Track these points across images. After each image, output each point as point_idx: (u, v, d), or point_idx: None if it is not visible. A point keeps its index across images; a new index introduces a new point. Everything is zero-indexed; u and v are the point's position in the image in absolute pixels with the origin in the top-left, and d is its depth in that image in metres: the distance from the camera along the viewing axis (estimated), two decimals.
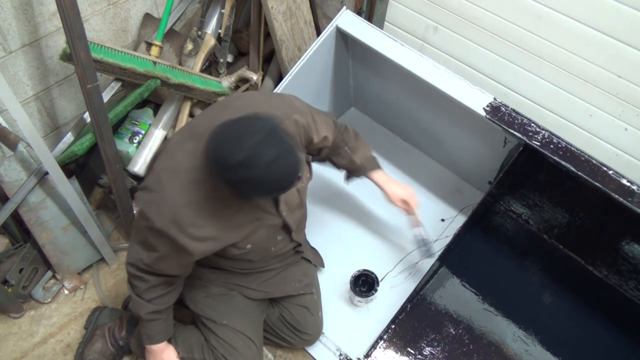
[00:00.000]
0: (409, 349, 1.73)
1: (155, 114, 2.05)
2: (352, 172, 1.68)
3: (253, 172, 1.03)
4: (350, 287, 1.75)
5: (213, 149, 1.06)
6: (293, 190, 1.38)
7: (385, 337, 1.75)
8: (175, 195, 1.18)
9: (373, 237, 2.00)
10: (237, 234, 1.28)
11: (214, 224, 1.21)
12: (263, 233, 1.35)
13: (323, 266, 1.85)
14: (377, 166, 1.68)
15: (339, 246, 1.96)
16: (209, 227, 1.21)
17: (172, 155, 1.23)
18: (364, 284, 1.78)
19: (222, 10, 1.99)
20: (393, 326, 1.77)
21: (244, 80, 2.12)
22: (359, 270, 1.77)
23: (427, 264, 1.90)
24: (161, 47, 1.88)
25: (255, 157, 1.02)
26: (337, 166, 1.65)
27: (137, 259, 1.28)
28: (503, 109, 1.65)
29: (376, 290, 1.74)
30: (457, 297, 1.86)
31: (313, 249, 1.82)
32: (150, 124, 2.02)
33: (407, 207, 1.67)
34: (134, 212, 1.93)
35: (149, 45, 1.87)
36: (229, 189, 1.08)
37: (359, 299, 1.77)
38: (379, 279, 1.82)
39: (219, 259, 1.40)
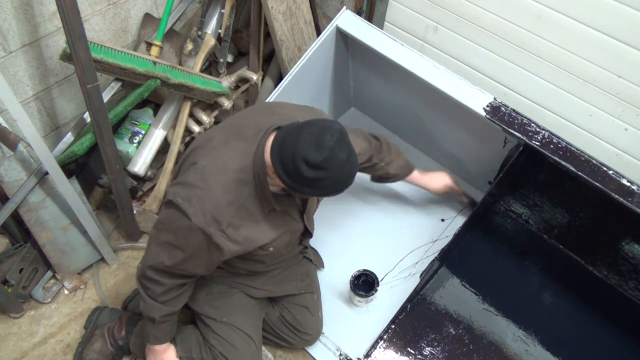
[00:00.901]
0: (409, 349, 1.73)
1: (155, 114, 2.05)
2: (387, 179, 1.77)
3: (330, 173, 1.08)
4: (350, 287, 1.75)
5: (286, 149, 1.09)
6: (314, 199, 1.42)
7: (385, 337, 1.74)
8: (220, 193, 1.18)
9: (373, 237, 2.00)
10: (265, 238, 1.29)
11: (248, 227, 1.23)
12: (286, 238, 1.37)
13: (323, 267, 1.85)
14: (410, 170, 1.79)
15: (339, 246, 1.96)
16: (243, 229, 1.22)
17: (218, 153, 1.21)
18: (364, 284, 1.78)
19: (222, 10, 1.99)
20: (393, 326, 1.77)
21: (244, 80, 2.12)
22: (359, 270, 1.77)
23: (427, 264, 1.90)
24: (161, 47, 1.88)
25: (332, 158, 1.07)
26: (372, 178, 1.76)
27: (158, 261, 1.26)
28: (503, 109, 1.65)
29: (376, 291, 1.74)
30: (457, 297, 1.86)
31: (313, 249, 1.82)
32: (150, 124, 2.03)
33: (452, 191, 1.90)
34: (133, 212, 1.93)
35: (149, 45, 1.87)
36: (300, 188, 1.11)
37: (359, 299, 1.77)
38: (379, 279, 1.82)
39: (233, 259, 1.39)
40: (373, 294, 1.74)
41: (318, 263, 1.81)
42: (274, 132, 1.20)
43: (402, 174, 1.76)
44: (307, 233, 1.48)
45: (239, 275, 1.52)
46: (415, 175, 1.81)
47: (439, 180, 1.88)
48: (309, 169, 1.08)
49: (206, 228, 1.17)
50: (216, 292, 1.53)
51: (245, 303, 1.55)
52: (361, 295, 1.74)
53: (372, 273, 1.77)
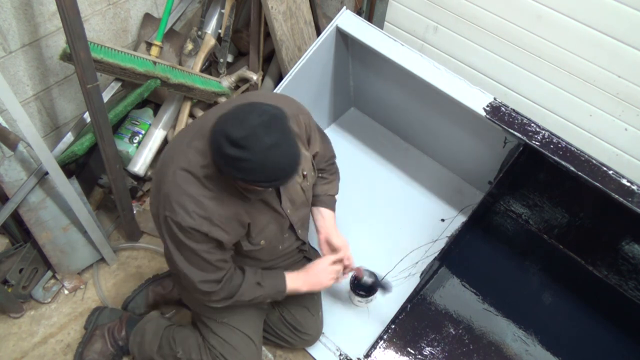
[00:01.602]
0: (409, 349, 1.73)
1: (155, 114, 2.05)
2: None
3: (251, 154, 1.04)
4: (351, 287, 1.74)
5: (216, 126, 1.08)
6: (297, 188, 1.39)
7: (385, 337, 1.75)
8: (196, 192, 1.19)
9: (373, 237, 2.00)
10: (256, 225, 1.31)
11: (232, 215, 1.23)
12: (273, 229, 1.37)
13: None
14: (331, 207, 1.60)
15: None
16: (230, 218, 1.23)
17: (184, 156, 1.21)
18: (365, 284, 1.77)
19: (222, 10, 1.99)
20: (393, 326, 1.77)
21: (244, 80, 2.12)
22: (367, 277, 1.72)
23: (427, 264, 1.90)
24: (161, 47, 1.88)
25: (254, 138, 1.04)
26: None
27: (199, 277, 1.27)
28: (503, 109, 1.65)
29: (376, 291, 1.74)
30: (457, 297, 1.86)
31: (313, 249, 1.81)
32: (150, 124, 2.03)
33: (335, 253, 1.54)
34: (133, 212, 1.93)
35: (149, 45, 1.87)
36: (226, 169, 1.09)
37: (359, 299, 1.77)
38: (380, 278, 1.82)
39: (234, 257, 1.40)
40: (373, 294, 1.74)
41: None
42: None
43: (323, 202, 1.57)
44: (292, 225, 1.44)
45: None
46: (328, 215, 1.57)
47: (337, 239, 1.56)
48: (229, 146, 1.05)
49: (200, 228, 1.18)
50: None
51: (246, 304, 1.54)
52: (361, 296, 1.74)
53: (373, 273, 1.74)
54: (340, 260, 1.53)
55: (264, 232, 1.34)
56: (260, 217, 1.31)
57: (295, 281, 1.46)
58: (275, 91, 1.90)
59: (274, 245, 1.42)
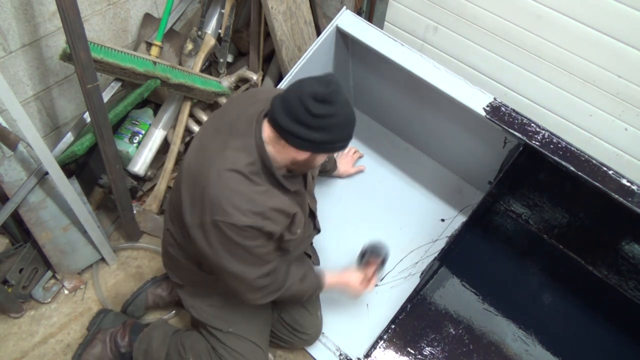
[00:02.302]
0: (409, 349, 1.73)
1: (155, 114, 2.05)
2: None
3: (338, 108, 1.13)
4: (358, 262, 1.67)
5: (298, 94, 1.12)
6: (310, 178, 1.48)
7: (385, 337, 1.75)
8: (245, 190, 1.20)
9: (373, 237, 1.99)
10: (291, 216, 1.33)
11: (280, 207, 1.25)
12: (303, 218, 1.40)
13: (318, 263, 1.83)
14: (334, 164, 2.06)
15: (338, 246, 1.95)
16: (278, 210, 1.25)
17: (223, 157, 1.20)
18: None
19: (222, 10, 1.99)
20: (393, 326, 1.77)
21: (244, 80, 2.12)
22: (365, 244, 1.69)
23: (427, 264, 1.90)
24: (161, 47, 1.88)
25: (338, 93, 1.13)
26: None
27: (253, 274, 1.28)
28: (503, 109, 1.65)
29: (384, 264, 1.66)
30: (457, 297, 1.86)
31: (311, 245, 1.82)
32: (150, 124, 2.03)
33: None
34: (133, 212, 1.93)
35: (149, 45, 1.87)
36: (313, 134, 1.14)
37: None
38: (380, 278, 1.82)
39: None
40: (381, 268, 1.67)
41: (315, 259, 1.81)
42: (264, 118, 1.23)
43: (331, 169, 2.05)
44: (311, 212, 1.52)
45: None
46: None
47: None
48: (318, 104, 1.11)
49: (255, 224, 1.19)
50: (220, 302, 1.51)
51: (249, 312, 1.54)
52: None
53: (381, 246, 1.66)
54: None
55: (300, 221, 1.36)
56: (295, 206, 1.34)
57: (331, 279, 1.56)
58: None
59: (301, 234, 1.44)
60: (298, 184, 1.36)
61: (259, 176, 1.22)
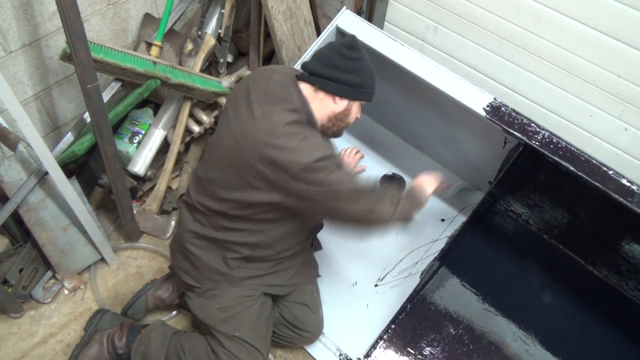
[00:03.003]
0: (409, 349, 1.73)
1: (155, 114, 2.05)
2: None
3: (362, 54, 1.35)
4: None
5: (327, 50, 1.37)
6: None
7: (385, 337, 1.75)
8: (311, 134, 1.31)
9: (373, 237, 2.00)
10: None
11: (331, 146, 1.40)
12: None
13: (321, 248, 1.87)
14: None
15: (338, 247, 1.95)
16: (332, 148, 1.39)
17: (280, 116, 1.28)
18: (393, 185, 1.99)
19: (222, 10, 1.99)
20: (393, 326, 1.77)
21: None
22: (385, 175, 1.99)
23: (427, 264, 1.90)
24: (161, 47, 1.88)
25: (359, 45, 1.35)
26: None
27: (365, 182, 1.37)
28: (503, 109, 1.65)
29: (404, 189, 1.76)
30: (457, 297, 1.86)
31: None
32: (150, 124, 2.03)
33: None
34: (133, 212, 1.93)
35: (149, 45, 1.87)
36: (349, 77, 1.34)
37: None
38: (379, 278, 1.82)
39: (291, 232, 1.47)
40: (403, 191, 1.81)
41: (316, 246, 1.84)
42: (298, 80, 1.39)
43: None
44: None
45: (268, 276, 1.53)
46: None
47: None
48: (349, 49, 1.33)
49: (327, 152, 1.27)
50: (229, 305, 1.51)
51: (256, 317, 1.53)
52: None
53: (399, 175, 2.01)
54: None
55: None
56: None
57: (426, 184, 1.59)
58: None
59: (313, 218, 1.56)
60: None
61: (307, 125, 1.34)
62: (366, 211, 1.33)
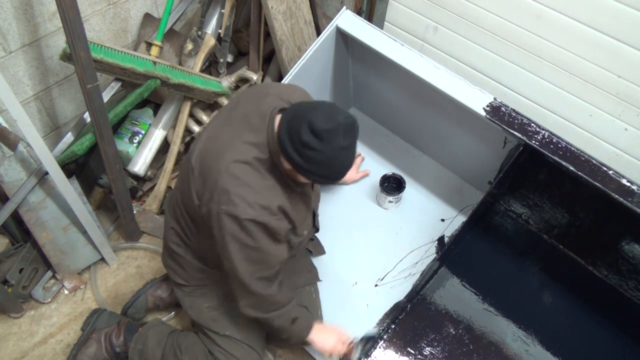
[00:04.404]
0: (409, 349, 1.73)
1: (155, 114, 2.06)
2: None
3: (325, 148, 1.13)
4: (380, 188, 1.97)
5: (296, 113, 1.15)
6: None
7: (385, 337, 1.75)
8: (255, 182, 1.21)
9: (373, 237, 2.00)
10: (301, 217, 1.34)
11: (285, 205, 1.25)
12: (309, 219, 1.41)
13: (324, 252, 1.86)
14: None
15: (338, 247, 1.95)
16: (283, 208, 1.25)
17: (235, 150, 1.22)
18: (392, 186, 2.03)
19: (222, 10, 1.99)
20: (393, 326, 1.77)
21: (244, 80, 2.13)
22: (384, 175, 2.03)
23: (427, 264, 1.90)
24: (161, 47, 1.88)
25: (335, 135, 1.12)
26: None
27: (254, 274, 1.27)
28: (503, 109, 1.65)
29: (404, 189, 1.99)
30: (457, 297, 1.86)
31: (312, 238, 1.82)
32: (150, 124, 2.03)
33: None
34: (133, 212, 1.93)
35: (149, 45, 1.87)
36: (294, 156, 1.15)
37: (390, 198, 1.97)
38: (380, 278, 1.82)
39: None
40: (403, 190, 1.99)
41: (319, 251, 1.84)
42: (278, 113, 1.25)
43: None
44: (313, 213, 1.53)
45: None
46: None
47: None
48: (309, 134, 1.12)
49: (259, 218, 1.19)
50: (218, 305, 1.52)
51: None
52: (391, 194, 1.97)
53: (398, 175, 2.03)
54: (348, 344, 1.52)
55: (305, 222, 1.37)
56: (301, 209, 1.34)
57: (316, 334, 1.47)
58: None
59: (307, 235, 1.44)
60: (306, 185, 1.36)
61: (268, 171, 1.24)
62: (234, 292, 1.34)
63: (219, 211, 1.20)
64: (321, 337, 1.47)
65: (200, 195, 1.26)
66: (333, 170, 1.19)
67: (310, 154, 1.14)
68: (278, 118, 1.24)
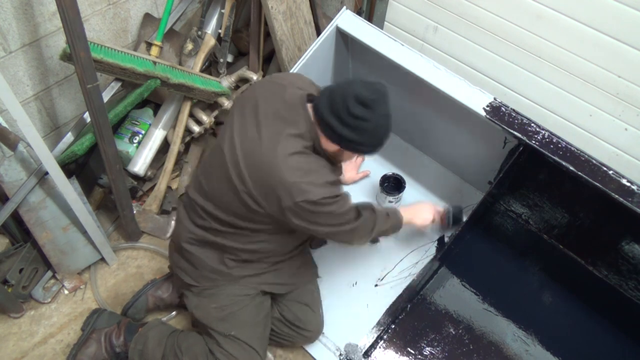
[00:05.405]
0: (409, 349, 1.73)
1: (155, 114, 2.06)
2: None
3: (373, 115, 1.25)
4: (380, 188, 1.99)
5: (343, 91, 1.25)
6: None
7: (385, 337, 1.75)
8: (315, 166, 1.30)
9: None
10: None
11: (337, 179, 1.37)
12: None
13: (325, 242, 1.93)
14: None
15: (338, 247, 1.95)
16: (337, 181, 1.37)
17: (285, 144, 1.28)
18: (393, 185, 2.04)
19: (222, 10, 1.99)
20: (393, 326, 1.77)
21: (244, 80, 2.13)
22: (384, 175, 2.04)
23: (427, 264, 1.90)
24: (161, 47, 1.88)
25: (379, 102, 1.25)
26: None
27: (347, 227, 1.39)
28: (503, 109, 1.65)
29: (404, 189, 2.00)
30: (457, 297, 1.86)
31: None
32: (150, 124, 2.03)
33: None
34: (133, 212, 1.93)
35: (149, 45, 1.87)
36: (344, 130, 1.26)
37: (390, 198, 1.98)
38: (380, 278, 1.82)
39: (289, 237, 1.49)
40: (402, 190, 2.00)
41: (317, 243, 1.90)
42: (308, 102, 1.34)
43: None
44: None
45: (267, 274, 1.54)
46: None
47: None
48: (357, 105, 1.23)
49: (331, 194, 1.29)
50: (225, 304, 1.51)
51: (253, 316, 1.53)
52: (391, 194, 1.98)
53: (398, 175, 2.03)
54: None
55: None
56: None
57: (406, 213, 1.66)
58: None
59: None
60: (339, 172, 1.48)
61: (316, 155, 1.33)
62: (345, 241, 1.49)
63: (296, 203, 1.25)
64: (416, 214, 1.68)
65: (263, 199, 1.29)
66: (381, 138, 1.32)
67: (362, 125, 1.25)
68: (309, 107, 1.32)
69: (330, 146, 1.32)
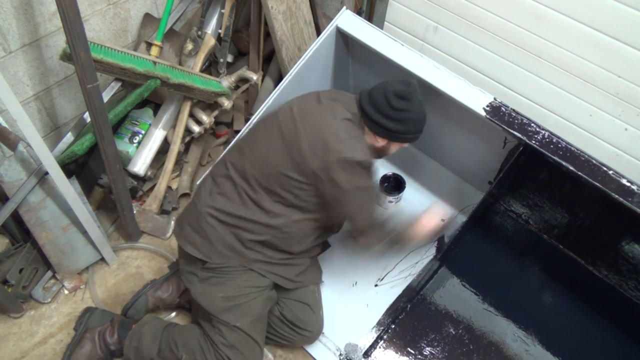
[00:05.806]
0: (409, 349, 1.73)
1: (155, 114, 2.06)
2: None
3: (413, 105, 1.43)
4: (380, 188, 2.01)
5: (382, 89, 1.43)
6: None
7: (385, 337, 1.75)
8: (359, 133, 1.46)
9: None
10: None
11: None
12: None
13: (329, 246, 1.94)
14: None
15: (338, 247, 1.96)
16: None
17: (341, 111, 1.45)
18: (393, 186, 2.06)
19: (222, 10, 1.99)
20: (393, 326, 1.77)
21: (244, 80, 2.13)
22: (385, 175, 2.07)
23: (428, 264, 1.90)
24: (161, 47, 1.88)
25: (413, 93, 1.42)
26: None
27: (371, 213, 1.48)
28: (503, 109, 1.65)
29: (404, 189, 2.03)
30: (457, 297, 1.86)
31: None
32: (150, 124, 2.03)
33: None
34: (133, 212, 1.93)
35: (149, 45, 1.87)
36: (392, 124, 1.43)
37: (390, 198, 2.01)
38: (379, 278, 1.82)
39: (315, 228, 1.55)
40: (403, 190, 2.02)
41: (324, 245, 1.90)
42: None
43: None
44: None
45: (275, 264, 1.55)
46: None
47: None
48: (397, 99, 1.41)
49: (369, 160, 1.41)
50: (234, 295, 1.50)
51: (260, 309, 1.54)
52: (392, 194, 2.00)
53: (398, 175, 2.07)
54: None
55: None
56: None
57: (409, 232, 1.67)
58: (275, 91, 1.90)
59: None
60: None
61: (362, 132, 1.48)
62: (360, 223, 1.50)
63: (342, 158, 1.35)
64: (417, 234, 1.67)
65: (310, 152, 1.39)
66: (422, 124, 1.49)
67: (405, 116, 1.42)
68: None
69: (378, 142, 1.48)
